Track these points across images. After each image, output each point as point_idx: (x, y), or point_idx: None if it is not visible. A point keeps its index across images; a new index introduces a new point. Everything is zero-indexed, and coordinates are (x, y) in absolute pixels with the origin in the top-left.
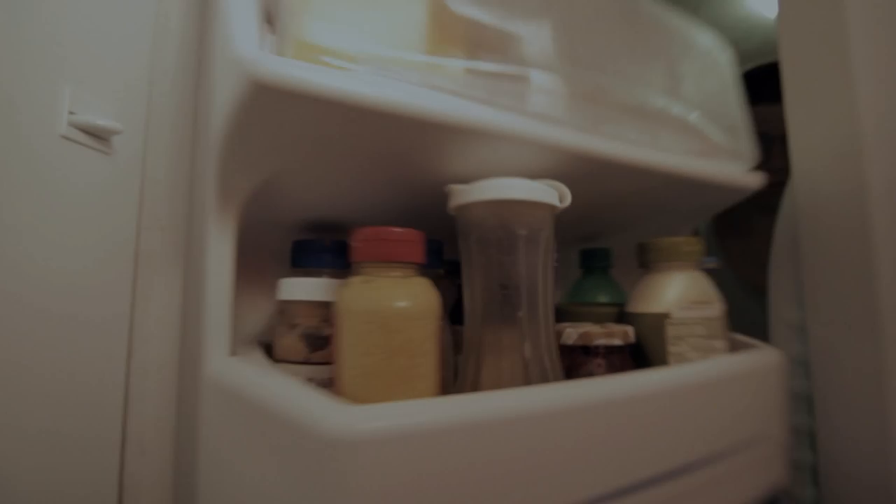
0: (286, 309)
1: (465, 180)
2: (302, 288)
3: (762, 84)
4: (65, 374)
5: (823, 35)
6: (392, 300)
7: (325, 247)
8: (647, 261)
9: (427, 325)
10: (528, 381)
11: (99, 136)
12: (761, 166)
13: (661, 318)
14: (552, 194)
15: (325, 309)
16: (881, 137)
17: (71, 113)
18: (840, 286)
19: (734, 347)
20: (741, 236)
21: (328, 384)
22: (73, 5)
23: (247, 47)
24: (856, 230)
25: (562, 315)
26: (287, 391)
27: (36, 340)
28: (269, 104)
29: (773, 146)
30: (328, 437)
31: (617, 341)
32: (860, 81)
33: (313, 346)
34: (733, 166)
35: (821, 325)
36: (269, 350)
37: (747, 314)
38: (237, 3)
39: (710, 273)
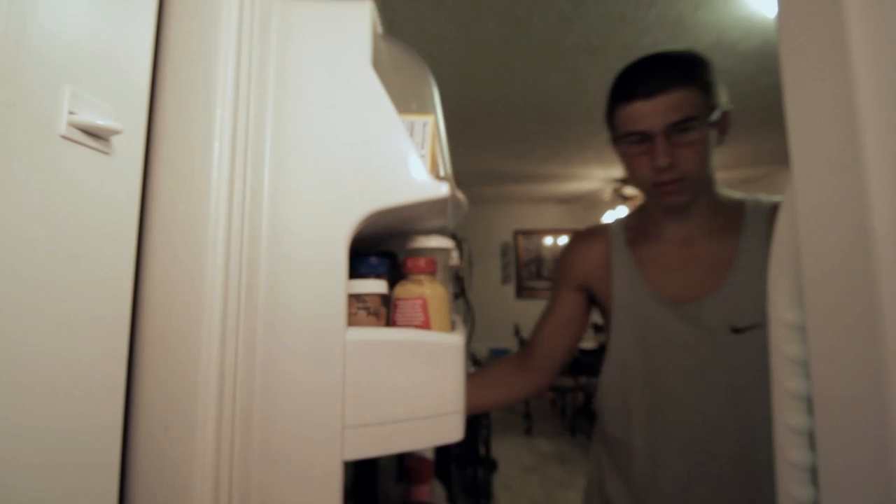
0: (358, 298)
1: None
2: (371, 286)
3: (635, 83)
4: (65, 374)
5: (823, 35)
6: (440, 289)
7: (371, 262)
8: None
9: (445, 299)
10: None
11: (99, 136)
12: (648, 163)
13: None
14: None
15: (381, 297)
16: (881, 138)
17: (71, 113)
18: (840, 286)
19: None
20: (651, 242)
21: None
22: (74, 4)
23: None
24: (856, 230)
25: None
26: (416, 334)
27: (35, 341)
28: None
29: (654, 143)
30: (449, 344)
31: None
32: (860, 81)
33: (377, 316)
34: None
35: (821, 325)
36: None
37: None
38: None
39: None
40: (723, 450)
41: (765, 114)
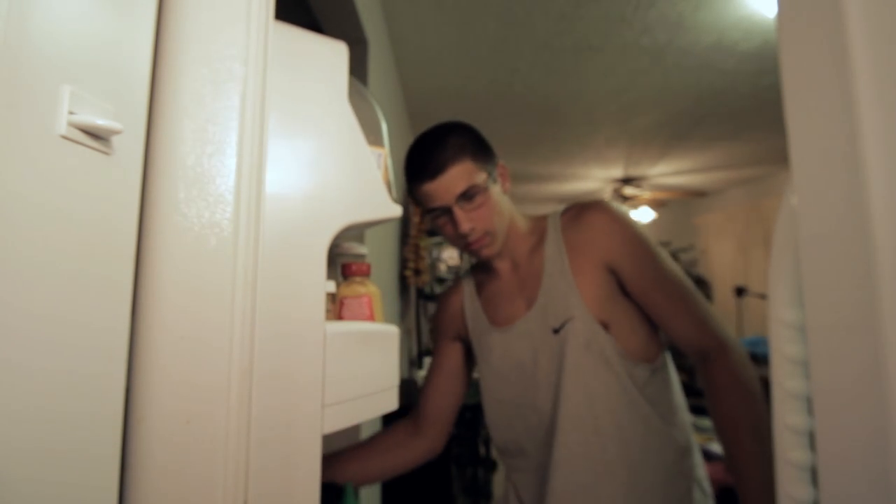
0: None
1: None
2: (329, 286)
3: (420, 168)
4: (64, 374)
5: (823, 35)
6: (376, 289)
7: None
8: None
9: (380, 297)
10: None
11: (99, 136)
12: (454, 230)
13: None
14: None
15: (331, 296)
16: (881, 138)
17: (71, 113)
18: (840, 286)
19: None
20: (490, 282)
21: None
22: (74, 4)
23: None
24: (856, 230)
25: None
26: (371, 325)
27: (35, 341)
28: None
29: (452, 214)
30: (393, 332)
31: None
32: (860, 81)
33: (329, 312)
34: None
35: (821, 325)
36: None
37: None
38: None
39: None
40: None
41: (765, 114)
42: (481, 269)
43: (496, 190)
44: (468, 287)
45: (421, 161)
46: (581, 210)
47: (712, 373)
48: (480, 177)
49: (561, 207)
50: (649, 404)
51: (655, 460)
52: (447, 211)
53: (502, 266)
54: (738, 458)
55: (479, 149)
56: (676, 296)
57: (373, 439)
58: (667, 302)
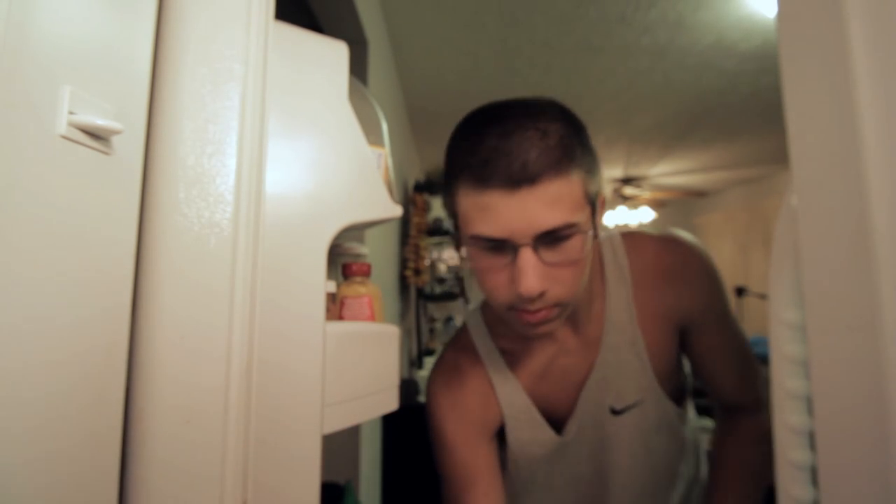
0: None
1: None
2: (329, 286)
3: (491, 158)
4: (65, 374)
5: (823, 35)
6: (377, 289)
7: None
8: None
9: (381, 296)
10: None
11: (99, 136)
12: (507, 282)
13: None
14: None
15: (331, 296)
16: (881, 138)
17: (71, 113)
18: (840, 286)
19: None
20: (528, 358)
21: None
22: (74, 4)
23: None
24: (856, 230)
25: None
26: (371, 326)
27: (35, 341)
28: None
29: (518, 258)
30: (393, 332)
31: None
32: (860, 81)
33: (329, 312)
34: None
35: (821, 325)
36: None
37: None
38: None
39: None
40: None
41: (765, 114)
42: (510, 343)
43: (591, 237)
44: (492, 361)
45: (495, 153)
46: (659, 252)
47: (743, 423)
48: (584, 211)
49: (612, 231)
50: (687, 432)
51: (682, 469)
52: (508, 247)
53: (561, 330)
54: (733, 497)
55: (591, 160)
56: (737, 358)
57: None
58: (725, 362)
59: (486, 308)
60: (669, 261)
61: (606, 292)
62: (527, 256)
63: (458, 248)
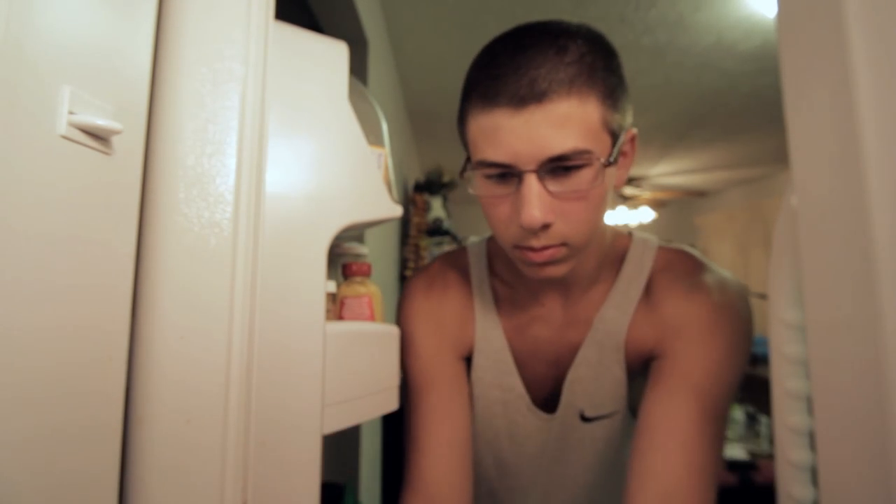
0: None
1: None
2: (329, 286)
3: (500, 75)
4: (65, 374)
5: (823, 35)
6: (377, 288)
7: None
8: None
9: (381, 297)
10: None
11: (99, 136)
12: (510, 214)
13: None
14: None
15: (331, 296)
16: (881, 138)
17: (71, 113)
18: (840, 286)
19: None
20: (518, 310)
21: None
22: (74, 4)
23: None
24: (856, 230)
25: None
26: (371, 325)
27: (34, 342)
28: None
29: (522, 185)
30: (393, 332)
31: None
32: (860, 81)
33: (330, 312)
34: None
35: (821, 325)
36: None
37: None
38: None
39: None
40: None
41: (765, 114)
42: (504, 282)
43: (611, 175)
44: (482, 291)
45: (505, 70)
46: (687, 277)
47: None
48: (601, 140)
49: (652, 239)
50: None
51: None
52: (514, 175)
53: (550, 293)
54: None
55: (617, 87)
56: (699, 456)
57: None
58: (684, 445)
59: (491, 243)
60: (703, 313)
61: (613, 287)
62: (530, 184)
63: (467, 182)
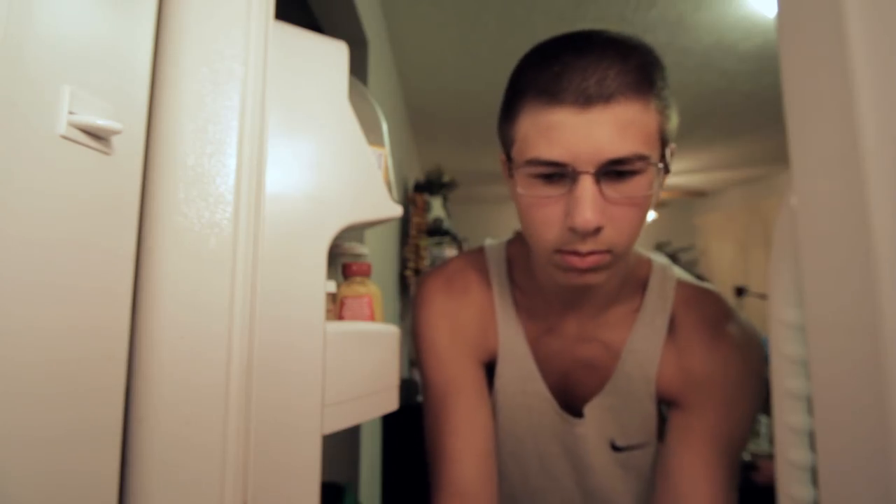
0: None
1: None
2: (330, 286)
3: (563, 75)
4: (65, 374)
5: (823, 35)
6: (377, 288)
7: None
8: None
9: (381, 297)
10: None
11: (99, 136)
12: (559, 216)
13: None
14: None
15: (331, 296)
16: (881, 138)
17: (71, 113)
18: (840, 286)
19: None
20: (538, 315)
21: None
22: (74, 4)
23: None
24: (856, 230)
25: None
26: (371, 325)
27: (34, 342)
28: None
29: (577, 187)
30: (394, 332)
31: None
32: (860, 81)
33: (330, 312)
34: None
35: (821, 325)
36: None
37: None
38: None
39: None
40: None
41: (765, 114)
42: (525, 287)
43: (658, 185)
44: (503, 298)
45: (569, 69)
46: (712, 326)
47: None
48: (656, 149)
49: (670, 266)
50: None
51: None
52: (566, 175)
53: (566, 307)
54: None
55: (670, 99)
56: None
57: None
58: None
59: (512, 247)
60: (729, 369)
61: (639, 317)
62: (587, 185)
63: (510, 177)
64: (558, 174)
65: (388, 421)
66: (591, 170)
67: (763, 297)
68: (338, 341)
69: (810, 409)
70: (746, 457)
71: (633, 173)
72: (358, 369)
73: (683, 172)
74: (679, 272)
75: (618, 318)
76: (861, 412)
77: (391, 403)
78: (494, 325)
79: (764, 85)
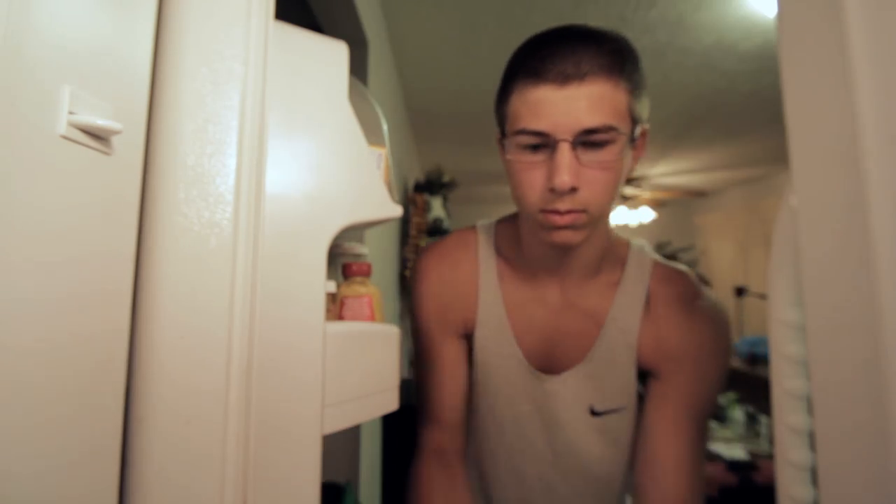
0: None
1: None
2: (330, 286)
3: (546, 58)
4: (65, 374)
5: (823, 35)
6: (376, 289)
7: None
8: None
9: (381, 297)
10: None
11: (99, 136)
12: (541, 180)
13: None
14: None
15: (331, 296)
16: (881, 138)
17: (71, 113)
18: (840, 286)
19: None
20: (521, 284)
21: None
22: (74, 4)
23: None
24: (855, 230)
25: None
26: (371, 326)
27: (34, 342)
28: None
29: (556, 153)
30: (394, 332)
31: None
32: (860, 81)
33: (329, 312)
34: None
35: (821, 325)
36: None
37: None
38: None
39: None
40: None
41: (765, 114)
42: (510, 256)
43: (628, 157)
44: (488, 269)
45: (552, 53)
46: (686, 302)
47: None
48: (626, 123)
49: (647, 247)
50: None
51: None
52: (547, 144)
53: (549, 275)
54: None
55: (640, 83)
56: (687, 437)
57: None
58: (672, 431)
59: (500, 226)
60: (703, 341)
61: (619, 288)
62: (565, 151)
63: (502, 150)
64: (542, 144)
65: (388, 421)
66: (569, 138)
67: (763, 297)
68: (338, 341)
69: (810, 409)
70: (746, 457)
71: (605, 143)
72: (358, 369)
73: (683, 172)
74: (654, 254)
75: (599, 288)
76: (861, 412)
77: (391, 404)
78: (476, 294)
79: (764, 85)
